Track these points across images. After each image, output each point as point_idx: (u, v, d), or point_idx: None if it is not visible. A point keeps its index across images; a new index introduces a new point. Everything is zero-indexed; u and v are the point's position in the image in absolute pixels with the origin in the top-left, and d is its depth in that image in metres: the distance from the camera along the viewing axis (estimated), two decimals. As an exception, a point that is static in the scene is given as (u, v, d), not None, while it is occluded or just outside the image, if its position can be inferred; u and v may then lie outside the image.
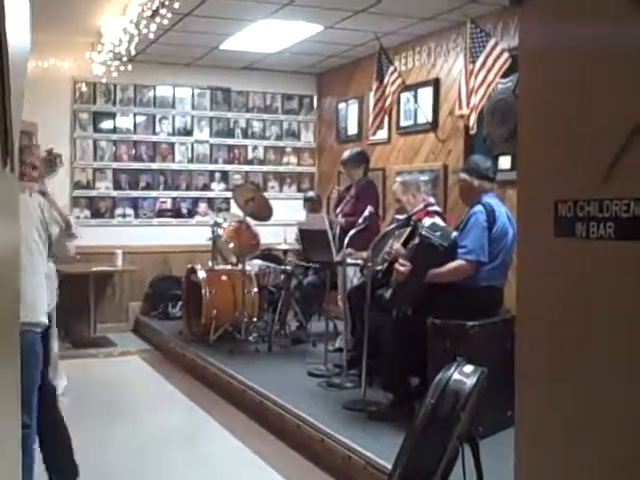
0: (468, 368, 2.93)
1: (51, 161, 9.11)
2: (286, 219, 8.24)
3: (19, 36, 1.64)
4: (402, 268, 4.91)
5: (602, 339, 1.92)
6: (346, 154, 7.33)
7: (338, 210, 7.18)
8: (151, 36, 7.47)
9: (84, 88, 9.52)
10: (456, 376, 2.85)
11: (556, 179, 2.03)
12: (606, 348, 1.91)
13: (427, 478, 2.72)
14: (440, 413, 2.73)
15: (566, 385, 2.03)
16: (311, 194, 8.87)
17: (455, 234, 5.01)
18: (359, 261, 6.11)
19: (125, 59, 8.32)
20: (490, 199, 5.03)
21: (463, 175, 5.16)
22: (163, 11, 6.85)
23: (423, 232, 4.84)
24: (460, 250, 4.86)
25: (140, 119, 9.86)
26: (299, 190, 10.38)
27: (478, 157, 5.50)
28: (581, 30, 1.97)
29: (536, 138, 2.12)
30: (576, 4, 2.00)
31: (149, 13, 6.99)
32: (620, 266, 1.85)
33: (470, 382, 2.84)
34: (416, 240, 4.91)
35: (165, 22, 7.06)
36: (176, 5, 6.63)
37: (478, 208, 4.95)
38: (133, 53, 8.12)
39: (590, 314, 1.94)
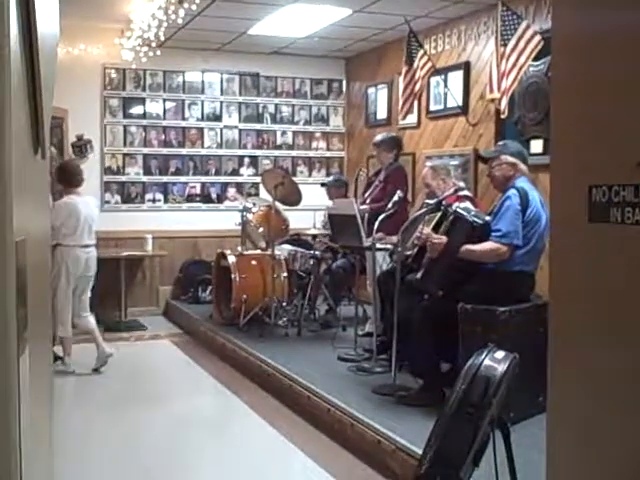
0: (499, 354, 2.90)
1: (81, 147, 9.17)
2: (315, 204, 8.23)
3: (48, 24, 1.65)
4: (437, 241, 4.88)
5: (636, 326, 1.90)
6: (380, 136, 7.31)
7: (367, 194, 7.17)
8: (179, 21, 7.49)
9: (114, 74, 9.57)
10: (487, 362, 2.82)
11: (590, 164, 2.02)
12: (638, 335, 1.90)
13: (458, 463, 2.71)
14: (471, 399, 2.71)
15: (599, 371, 2.01)
16: (332, 178, 8.76)
17: (487, 218, 4.98)
18: (388, 246, 6.09)
19: (154, 45, 8.35)
20: (523, 183, 4.99)
21: (509, 158, 5.07)
22: (191, -4, 6.86)
23: (458, 210, 4.82)
24: (494, 234, 4.82)
25: (169, 105, 9.90)
26: (328, 175, 10.37)
27: (510, 142, 5.47)
28: (615, 13, 1.95)
29: (569, 123, 2.10)
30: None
31: (178, -1, 7.01)
32: (656, 252, 1.83)
33: (501, 368, 2.81)
34: (450, 218, 4.88)
35: (193, 7, 7.06)
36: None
37: (512, 192, 4.91)
38: (162, 39, 8.15)
39: (624, 300, 1.92)
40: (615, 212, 1.91)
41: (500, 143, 5.54)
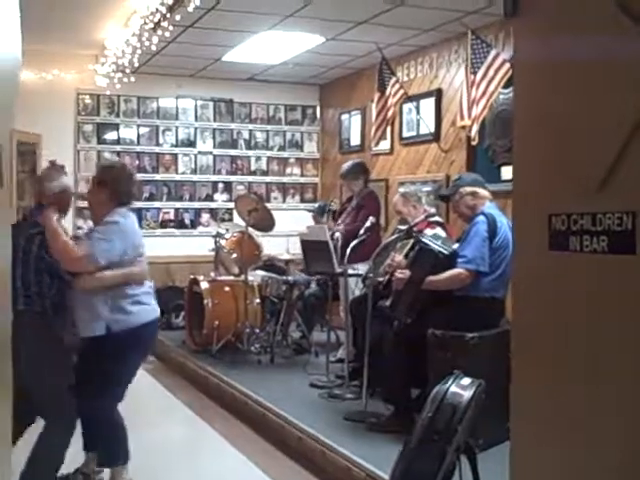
0: (465, 381, 2.92)
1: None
2: (289, 230, 8.24)
3: (6, 42, 1.64)
4: (400, 275, 4.92)
5: (596, 352, 1.91)
6: (344, 167, 7.31)
7: (339, 221, 7.18)
8: (154, 48, 7.51)
9: (88, 100, 9.58)
10: (453, 389, 2.84)
11: (550, 192, 2.04)
12: (600, 362, 1.91)
13: (424, 491, 2.71)
14: (437, 426, 2.72)
15: (559, 398, 2.02)
16: (317, 205, 8.77)
17: (456, 246, 5.01)
18: (360, 272, 6.11)
19: (128, 71, 8.37)
20: (491, 209, 5.03)
21: (467, 189, 5.12)
22: (165, 23, 6.88)
23: (423, 239, 4.85)
24: (460, 259, 4.86)
25: (143, 130, 9.91)
26: (302, 201, 10.40)
27: (464, 174, 5.61)
28: (575, 42, 1.98)
29: (530, 151, 2.12)
30: (570, 16, 2.01)
31: (151, 25, 7.03)
32: (613, 280, 1.85)
33: (467, 395, 2.83)
34: (416, 247, 4.91)
35: (167, 34, 7.09)
36: (178, 17, 6.67)
37: (480, 218, 4.95)
38: (136, 65, 8.16)
39: (584, 328, 1.94)
40: (574, 240, 1.93)
41: (455, 178, 5.63)
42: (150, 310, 4.27)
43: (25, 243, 4.15)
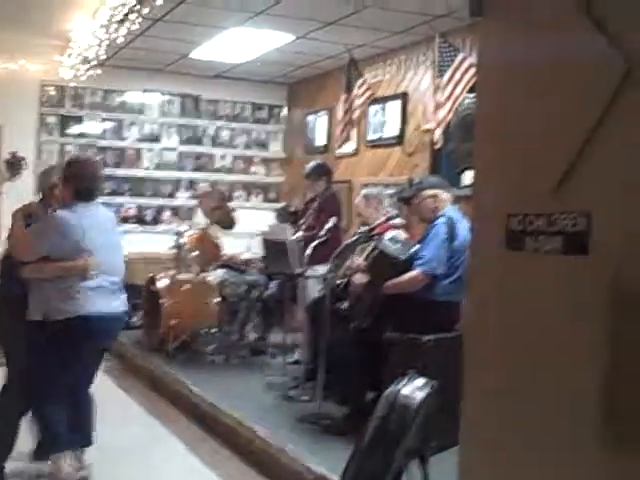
0: (419, 382, 2.89)
1: (14, 164, 8.97)
2: (251, 229, 8.17)
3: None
4: (358, 280, 4.89)
5: (549, 352, 1.89)
6: (307, 167, 7.26)
7: (301, 222, 7.13)
8: (120, 41, 7.41)
9: (52, 91, 9.42)
10: (406, 390, 2.80)
11: (508, 192, 2.02)
12: (553, 362, 1.88)
13: (373, 493, 2.67)
14: (388, 427, 2.68)
15: (510, 401, 1.99)
16: (281, 206, 8.74)
17: (416, 248, 4.98)
18: (319, 273, 6.05)
19: (94, 63, 8.24)
20: (452, 213, 5.02)
21: (428, 192, 5.11)
22: (133, 16, 6.79)
23: (381, 244, 4.82)
24: (417, 261, 4.85)
25: (108, 124, 9.77)
26: (265, 200, 10.33)
27: (425, 177, 5.59)
28: (534, 44, 1.97)
29: (490, 151, 2.10)
30: (534, 18, 1.99)
31: (119, 18, 6.93)
32: (568, 280, 1.83)
33: (420, 396, 2.79)
34: (375, 252, 4.88)
35: (135, 27, 6.99)
36: (146, 10, 6.58)
37: (440, 220, 4.95)
38: (103, 57, 8.04)
39: (537, 327, 1.91)
40: (530, 241, 1.90)
41: (416, 181, 5.62)
42: (93, 304, 4.24)
43: None
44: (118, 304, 4.41)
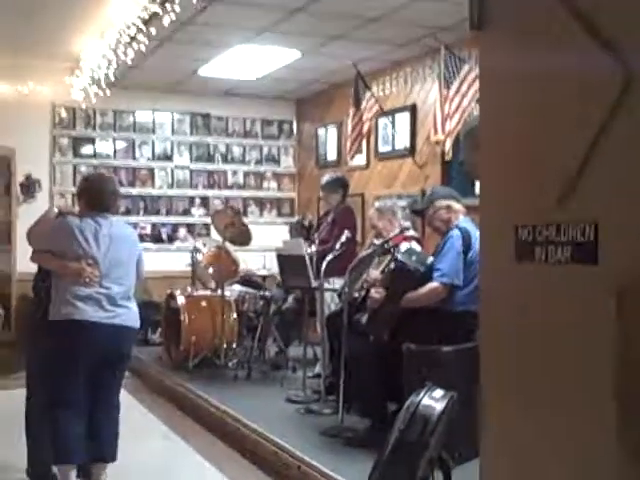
0: (438, 393, 2.92)
1: (29, 186, 9.10)
2: (266, 245, 8.23)
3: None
4: (375, 295, 4.90)
5: (562, 362, 1.92)
6: (324, 179, 7.34)
7: (315, 235, 7.18)
8: (129, 62, 7.49)
9: (63, 113, 9.53)
10: (425, 401, 2.84)
11: (516, 203, 2.05)
12: (567, 369, 1.92)
13: (396, 504, 2.70)
14: (408, 438, 2.72)
15: (529, 410, 2.02)
16: (295, 220, 8.81)
17: (431, 259, 5.02)
18: (337, 287, 6.10)
19: (104, 84, 8.33)
20: (466, 223, 5.04)
21: (442, 202, 5.14)
22: (141, 37, 6.87)
23: (399, 257, 4.85)
24: (435, 273, 4.87)
25: (120, 144, 9.88)
26: (279, 215, 10.41)
27: (437, 187, 5.60)
28: (537, 54, 2.00)
29: (495, 162, 2.14)
30: (533, 30, 2.02)
31: (127, 39, 7.02)
32: (577, 290, 1.86)
33: (439, 407, 2.83)
34: (392, 265, 4.91)
35: (143, 48, 7.08)
36: (153, 31, 6.66)
37: (455, 232, 4.97)
38: (112, 78, 8.14)
39: (549, 338, 1.94)
40: (539, 251, 1.94)
41: (428, 192, 5.64)
42: (81, 311, 4.42)
43: None
44: (112, 315, 4.49)
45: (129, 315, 4.61)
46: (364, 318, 5.02)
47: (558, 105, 1.91)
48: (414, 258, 4.89)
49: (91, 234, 4.51)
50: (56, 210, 4.84)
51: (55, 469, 4.55)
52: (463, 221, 5.04)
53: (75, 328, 4.43)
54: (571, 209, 1.85)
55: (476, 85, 6.11)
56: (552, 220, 1.89)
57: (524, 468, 2.04)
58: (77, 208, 5.01)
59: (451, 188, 5.64)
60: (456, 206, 5.11)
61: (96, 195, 4.65)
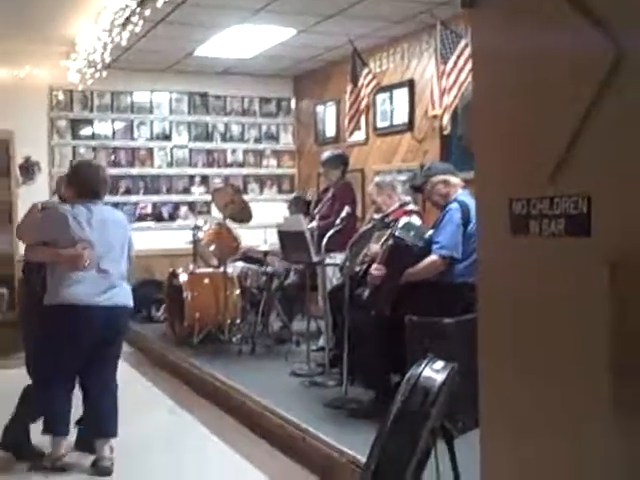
0: (438, 364, 2.99)
1: (28, 169, 9.14)
2: (266, 221, 8.28)
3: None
4: (376, 272, 4.95)
5: (558, 333, 1.98)
6: (325, 155, 7.38)
7: (315, 211, 7.24)
8: (124, 43, 7.52)
9: (61, 96, 9.56)
10: (426, 372, 2.91)
11: (510, 178, 2.10)
12: (563, 340, 1.98)
13: (399, 473, 2.78)
14: (410, 408, 2.79)
15: (525, 381, 2.09)
16: (292, 197, 8.86)
17: (430, 232, 5.08)
18: (338, 261, 6.16)
19: (100, 66, 8.36)
20: (464, 197, 5.09)
21: (439, 177, 5.19)
22: (135, 19, 6.89)
23: (396, 233, 4.90)
24: (434, 246, 4.94)
25: (118, 125, 9.92)
26: (279, 192, 10.46)
27: (433, 162, 5.65)
28: (529, 32, 2.04)
29: (489, 138, 2.19)
30: (524, 8, 2.07)
31: (121, 21, 7.04)
32: (571, 262, 1.92)
33: (440, 378, 2.90)
34: (390, 242, 4.96)
35: (138, 29, 7.10)
36: (147, 12, 6.68)
37: (454, 205, 5.02)
38: (108, 60, 8.16)
39: (544, 310, 2.00)
40: (533, 224, 1.99)
41: (425, 167, 5.69)
42: (72, 294, 4.58)
43: None
44: (108, 297, 4.65)
45: (124, 294, 4.80)
46: (366, 293, 5.07)
47: (550, 82, 1.96)
48: (412, 233, 4.94)
49: (84, 219, 4.65)
50: (39, 206, 4.97)
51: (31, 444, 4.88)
52: (462, 194, 5.10)
53: (73, 312, 4.58)
54: (564, 183, 1.90)
55: (472, 59, 6.14)
56: (545, 194, 1.94)
57: (521, 436, 2.11)
58: (55, 198, 5.37)
59: (450, 162, 5.69)
60: (454, 180, 5.16)
61: (87, 183, 4.76)
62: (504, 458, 2.18)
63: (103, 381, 4.85)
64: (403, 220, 5.21)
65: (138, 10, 6.67)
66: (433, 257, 4.93)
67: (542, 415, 2.01)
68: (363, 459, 4.22)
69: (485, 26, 2.23)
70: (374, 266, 5.02)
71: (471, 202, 5.04)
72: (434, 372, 2.91)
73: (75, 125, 9.69)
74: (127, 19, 6.90)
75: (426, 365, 2.94)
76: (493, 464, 2.21)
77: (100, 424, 4.81)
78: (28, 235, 4.81)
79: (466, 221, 4.94)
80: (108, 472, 4.69)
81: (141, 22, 6.91)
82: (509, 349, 2.12)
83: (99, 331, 4.68)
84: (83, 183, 4.76)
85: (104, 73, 8.49)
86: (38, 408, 4.76)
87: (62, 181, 5.30)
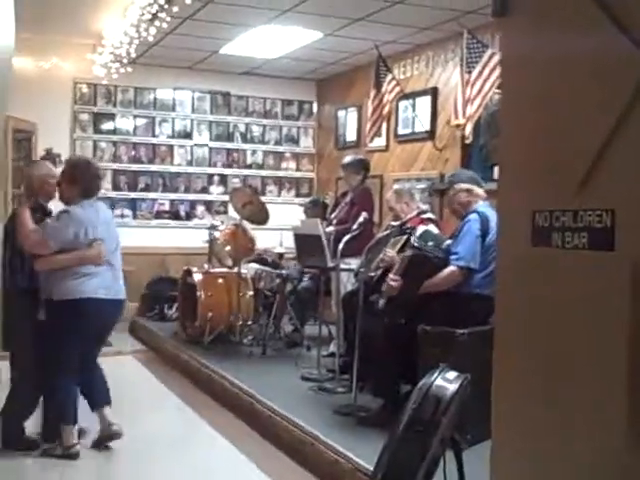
0: (451, 374, 2.96)
1: (50, 161, 9.16)
2: (283, 224, 8.27)
3: (2, 37, 1.68)
4: (393, 283, 4.91)
5: (577, 346, 1.95)
6: (348, 158, 7.37)
7: (333, 215, 7.22)
8: (151, 39, 7.54)
9: (85, 89, 9.59)
10: (439, 382, 2.88)
11: (534, 189, 2.08)
12: (581, 353, 1.95)
13: (408, 481, 2.75)
14: (421, 417, 2.76)
15: (543, 394, 2.06)
16: (308, 200, 8.84)
17: (448, 242, 5.05)
18: (353, 266, 6.14)
19: (126, 61, 8.38)
20: (484, 208, 5.06)
21: (463, 185, 5.15)
22: (163, 15, 6.91)
23: (415, 243, 4.86)
24: (452, 257, 4.90)
25: (140, 121, 9.94)
26: (297, 195, 10.45)
27: (460, 170, 5.59)
28: (559, 41, 2.02)
29: (515, 148, 2.16)
30: (556, 16, 2.05)
31: (149, 16, 7.06)
32: (593, 276, 1.89)
33: (452, 388, 2.87)
34: (408, 252, 4.91)
35: (165, 25, 7.12)
36: (176, 9, 6.69)
37: (473, 216, 4.99)
38: (134, 55, 8.18)
39: (566, 324, 1.97)
40: (556, 237, 1.97)
41: (450, 174, 5.65)
42: (92, 287, 4.73)
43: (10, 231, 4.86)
44: (117, 290, 4.92)
45: (123, 288, 5.05)
46: (381, 302, 5.03)
47: (578, 92, 1.93)
48: (431, 243, 4.91)
49: (95, 219, 4.81)
50: (26, 209, 4.83)
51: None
52: (482, 206, 5.06)
53: (88, 305, 4.71)
54: (589, 196, 1.87)
55: (498, 70, 6.10)
56: (570, 206, 1.92)
57: (534, 448, 2.08)
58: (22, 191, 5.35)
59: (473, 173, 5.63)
60: (477, 190, 5.12)
61: (91, 183, 4.89)
62: (516, 470, 2.15)
63: (94, 365, 5.09)
64: (421, 229, 5.18)
65: (166, 6, 6.68)
66: (452, 268, 4.89)
67: (557, 428, 1.98)
68: (369, 467, 4.21)
69: (515, 35, 2.21)
70: (391, 276, 4.96)
71: (491, 214, 5.00)
72: (446, 382, 2.88)
73: (97, 119, 9.73)
74: (154, 15, 6.91)
75: (439, 374, 2.91)
76: (504, 476, 2.17)
77: (103, 395, 5.06)
78: (44, 247, 4.70)
79: (484, 232, 4.91)
80: (121, 432, 5.00)
81: (168, 18, 6.92)
82: (526, 360, 2.09)
83: (107, 322, 4.96)
84: (88, 182, 4.85)
85: (129, 68, 8.51)
86: (55, 400, 4.85)
87: (33, 171, 5.18)
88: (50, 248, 4.68)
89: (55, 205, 5.10)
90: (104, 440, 5.02)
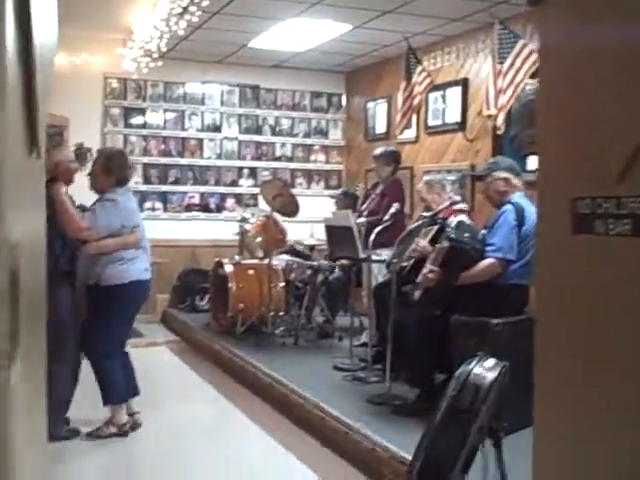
0: (489, 362, 2.98)
1: (80, 155, 9.25)
2: (313, 216, 8.31)
3: (46, 29, 1.71)
4: (430, 275, 4.90)
5: (620, 336, 1.95)
6: (379, 150, 7.38)
7: (364, 207, 7.24)
8: (181, 33, 7.59)
9: (115, 84, 9.67)
10: (477, 370, 2.90)
11: (574, 176, 2.08)
12: (625, 346, 1.94)
13: (447, 470, 2.77)
14: (460, 406, 2.78)
15: (587, 383, 2.06)
16: (340, 191, 8.85)
17: (483, 232, 5.05)
18: (384, 257, 6.15)
19: (155, 55, 8.44)
20: (519, 199, 5.04)
21: (501, 174, 5.13)
22: (193, 9, 6.96)
23: (452, 235, 4.86)
24: (488, 248, 4.89)
25: (170, 115, 10.00)
26: (327, 187, 10.48)
27: (501, 158, 5.56)
28: (600, 30, 2.02)
29: (555, 136, 2.17)
30: (596, 5, 2.05)
31: (179, 10, 7.10)
32: (636, 261, 1.89)
33: (491, 376, 2.88)
34: (445, 244, 4.88)
35: (195, 20, 7.16)
36: (205, 3, 6.73)
37: (508, 207, 4.97)
38: (163, 50, 8.24)
39: (609, 311, 1.98)
40: (599, 224, 1.97)
41: (491, 160, 5.63)
42: (137, 271, 5.05)
43: None
44: (149, 272, 5.22)
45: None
46: (417, 293, 5.02)
47: (620, 78, 1.93)
48: (467, 234, 4.91)
49: (132, 207, 5.20)
50: (64, 189, 4.89)
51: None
52: (518, 197, 5.03)
53: (135, 287, 5.02)
54: (632, 182, 1.88)
55: (530, 60, 6.08)
56: (612, 193, 1.92)
57: (579, 440, 2.08)
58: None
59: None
60: (514, 181, 5.09)
61: (127, 173, 5.19)
62: (558, 462, 2.16)
63: (125, 349, 5.32)
64: (455, 220, 5.17)
65: (196, 0, 6.72)
66: (490, 260, 4.88)
67: (602, 419, 1.99)
68: (406, 455, 4.24)
69: (552, 23, 2.21)
70: (428, 267, 4.95)
71: (526, 204, 4.99)
72: (485, 370, 2.90)
73: (128, 113, 9.81)
74: (185, 8, 6.95)
75: (477, 363, 2.93)
76: (546, 468, 2.19)
77: (133, 383, 5.29)
78: (98, 233, 4.90)
79: (520, 222, 4.90)
80: (140, 423, 5.27)
81: (199, 12, 6.96)
82: (568, 350, 2.10)
83: (142, 302, 5.30)
84: (123, 172, 5.11)
85: (159, 62, 8.57)
86: (103, 381, 5.05)
87: (63, 163, 5.11)
88: (98, 234, 4.89)
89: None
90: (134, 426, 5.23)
